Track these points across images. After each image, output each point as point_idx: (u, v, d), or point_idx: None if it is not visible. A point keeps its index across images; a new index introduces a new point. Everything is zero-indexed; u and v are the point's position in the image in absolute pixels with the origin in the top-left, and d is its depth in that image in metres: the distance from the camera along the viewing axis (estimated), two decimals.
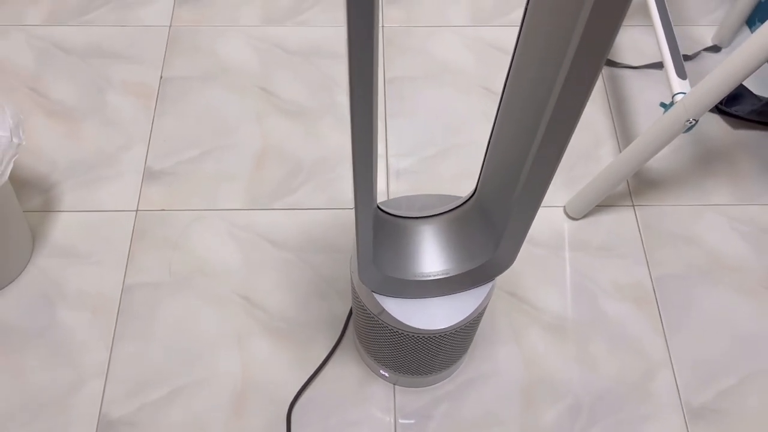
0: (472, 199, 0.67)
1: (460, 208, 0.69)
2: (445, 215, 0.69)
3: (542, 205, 1.09)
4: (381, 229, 0.67)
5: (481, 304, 0.71)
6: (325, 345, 0.96)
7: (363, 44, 0.40)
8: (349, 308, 0.99)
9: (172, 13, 1.31)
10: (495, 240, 0.64)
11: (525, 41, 0.47)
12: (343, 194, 1.10)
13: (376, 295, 0.71)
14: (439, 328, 0.70)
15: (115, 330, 0.97)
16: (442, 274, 0.67)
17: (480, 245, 0.66)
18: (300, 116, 1.18)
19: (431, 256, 0.68)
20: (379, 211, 0.67)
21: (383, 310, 0.71)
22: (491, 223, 0.64)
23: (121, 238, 1.05)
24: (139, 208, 1.07)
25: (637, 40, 1.31)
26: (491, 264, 0.67)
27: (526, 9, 0.44)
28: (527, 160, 0.52)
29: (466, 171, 1.13)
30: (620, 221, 1.08)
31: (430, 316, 0.71)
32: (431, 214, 0.70)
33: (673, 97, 0.89)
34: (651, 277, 1.03)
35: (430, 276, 0.67)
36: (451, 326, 0.71)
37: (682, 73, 0.91)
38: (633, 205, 1.10)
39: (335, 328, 0.98)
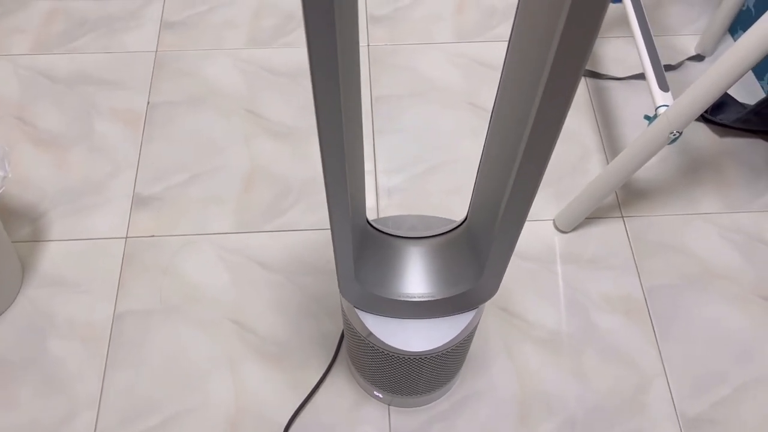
0: (463, 224, 0.68)
1: (450, 233, 0.69)
2: (435, 239, 0.69)
3: (532, 218, 1.10)
4: (369, 246, 0.67)
5: (466, 328, 0.71)
6: (318, 367, 0.96)
7: (323, 62, 0.41)
8: (341, 330, 0.98)
9: (158, 38, 1.32)
10: (480, 268, 0.64)
11: (509, 64, 0.47)
12: None
13: (362, 315, 0.71)
14: (422, 350, 0.70)
15: (106, 359, 0.96)
16: (426, 297, 0.67)
17: (466, 272, 0.66)
18: (288, 137, 1.19)
19: (416, 278, 0.68)
20: (369, 227, 0.67)
21: (371, 332, 0.71)
22: (479, 250, 0.64)
23: (110, 265, 1.04)
24: (128, 235, 1.07)
25: (621, 51, 1.32)
26: (474, 292, 0.67)
27: (512, 31, 0.45)
28: (508, 180, 0.52)
29: (455, 187, 1.13)
30: (610, 233, 1.08)
31: (416, 338, 0.70)
32: (421, 235, 0.70)
33: (656, 109, 0.90)
34: (642, 288, 1.03)
35: (413, 297, 0.67)
36: (435, 348, 0.70)
37: (664, 86, 0.92)
38: (622, 217, 1.10)
39: (328, 350, 0.97)
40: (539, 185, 0.51)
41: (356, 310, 0.71)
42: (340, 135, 0.46)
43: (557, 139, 0.47)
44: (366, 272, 0.67)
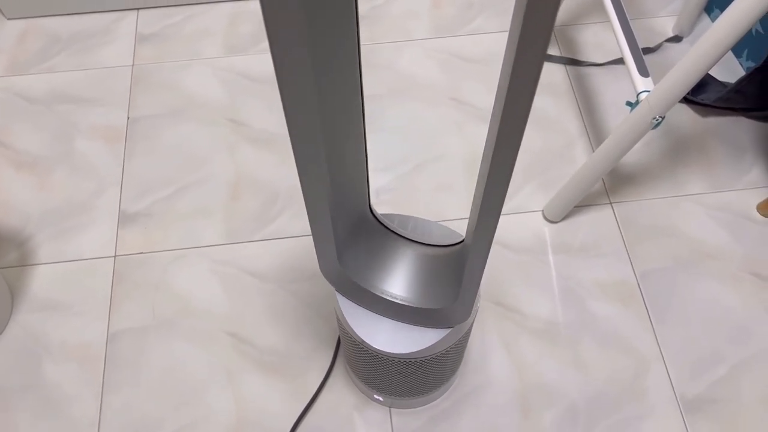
0: (461, 243, 0.67)
1: (447, 248, 0.69)
2: (431, 248, 0.69)
3: (521, 210, 1.10)
4: (364, 233, 0.67)
5: (442, 341, 0.71)
6: (317, 374, 0.96)
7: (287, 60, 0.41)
8: (338, 335, 0.98)
9: (134, 52, 1.30)
10: (458, 291, 0.64)
11: (501, 76, 0.47)
12: None
13: (341, 303, 0.71)
14: (391, 351, 0.70)
15: (103, 379, 0.95)
16: (403, 301, 0.67)
17: (446, 290, 0.66)
18: (271, 144, 1.18)
19: (399, 279, 0.68)
20: (371, 215, 0.68)
21: (346, 321, 0.71)
22: (463, 272, 0.64)
23: (101, 285, 1.03)
24: (117, 253, 1.06)
25: (599, 37, 1.32)
26: (446, 312, 0.67)
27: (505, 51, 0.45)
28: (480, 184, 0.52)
29: (443, 184, 1.13)
30: (599, 220, 1.09)
31: (390, 339, 0.70)
32: (418, 240, 0.69)
33: (637, 95, 0.90)
34: (635, 274, 1.03)
35: (389, 296, 0.67)
36: (408, 354, 0.70)
37: (644, 71, 0.92)
38: (610, 203, 1.10)
39: (326, 356, 0.97)
40: (502, 202, 0.51)
41: (338, 300, 0.72)
42: (306, 106, 0.45)
43: (516, 156, 0.46)
44: (352, 257, 0.67)
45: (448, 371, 0.84)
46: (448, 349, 0.73)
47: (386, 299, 0.67)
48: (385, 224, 0.69)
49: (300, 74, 0.42)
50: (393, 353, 0.70)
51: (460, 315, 0.67)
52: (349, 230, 0.65)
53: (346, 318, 0.72)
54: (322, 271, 0.69)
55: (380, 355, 0.72)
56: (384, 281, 0.68)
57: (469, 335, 0.77)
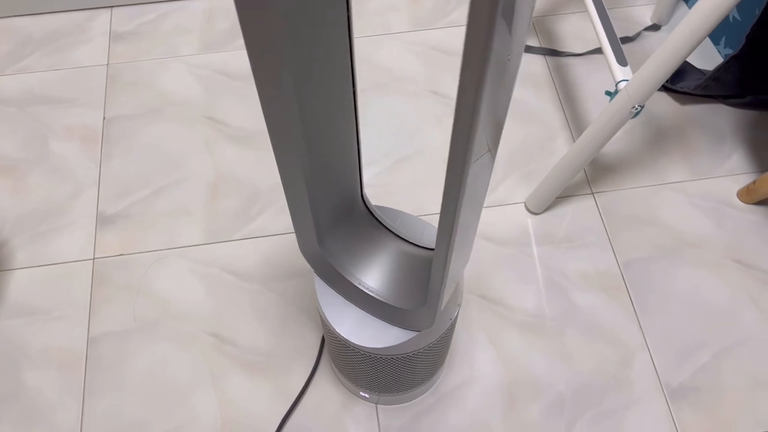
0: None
1: (427, 250, 0.68)
2: (413, 247, 0.69)
3: (503, 203, 1.10)
4: (353, 220, 0.67)
5: (411, 342, 0.70)
6: (302, 373, 0.95)
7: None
8: (323, 333, 0.97)
9: (109, 51, 1.28)
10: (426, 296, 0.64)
11: None
12: None
13: (322, 299, 0.71)
14: (361, 344, 0.70)
15: (84, 385, 0.94)
16: (373, 293, 0.66)
17: (415, 293, 0.66)
18: (251, 142, 1.17)
19: (375, 271, 0.67)
20: (362, 203, 0.67)
21: (322, 309, 0.71)
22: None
23: (80, 288, 1.02)
24: (95, 256, 1.05)
25: (578, 27, 1.32)
26: (411, 316, 0.66)
27: None
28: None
29: (425, 179, 1.12)
30: (581, 210, 1.09)
31: (362, 332, 0.70)
32: (404, 236, 0.69)
33: (616, 85, 0.89)
34: (618, 263, 1.04)
35: (363, 287, 0.67)
36: (379, 348, 0.70)
37: (622, 60, 0.92)
38: (592, 193, 1.10)
39: (310, 354, 0.96)
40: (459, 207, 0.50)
41: (315, 283, 0.72)
42: (278, 79, 0.44)
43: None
44: (334, 240, 0.66)
45: (431, 368, 0.84)
46: (423, 350, 0.73)
47: (359, 289, 0.67)
48: (375, 215, 0.68)
49: (269, 35, 0.40)
50: (357, 344, 0.70)
51: (424, 321, 0.66)
52: (335, 214, 0.65)
53: (319, 300, 0.71)
54: (300, 249, 0.68)
55: (351, 347, 0.72)
56: (360, 270, 0.68)
57: (451, 335, 0.77)
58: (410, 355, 0.72)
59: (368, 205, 0.68)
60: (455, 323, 0.77)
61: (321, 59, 0.45)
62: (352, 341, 0.69)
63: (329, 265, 0.67)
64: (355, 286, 0.67)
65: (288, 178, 0.54)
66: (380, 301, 0.66)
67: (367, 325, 0.70)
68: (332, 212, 0.64)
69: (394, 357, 0.72)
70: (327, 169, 0.56)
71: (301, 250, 0.69)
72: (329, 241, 0.66)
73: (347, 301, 0.71)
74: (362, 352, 0.72)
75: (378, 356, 0.72)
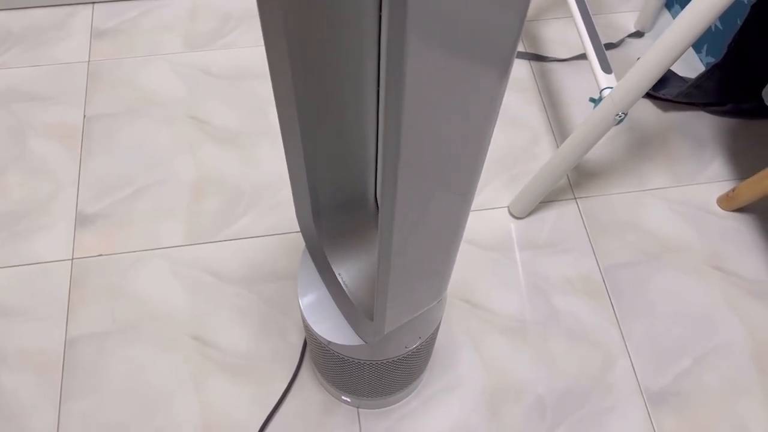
0: None
1: None
2: None
3: (486, 207, 1.10)
4: (357, 213, 0.67)
5: (373, 346, 0.70)
6: (284, 376, 0.94)
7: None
8: (305, 337, 0.97)
9: (90, 48, 1.26)
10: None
11: None
12: (288, 218, 1.08)
13: (306, 308, 0.70)
14: (334, 341, 0.70)
15: (61, 388, 0.92)
16: (345, 288, 0.67)
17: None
18: (234, 142, 1.16)
19: (356, 269, 0.67)
20: (374, 201, 0.67)
21: (316, 332, 0.70)
22: None
23: (58, 289, 1.00)
24: (74, 256, 1.03)
25: (562, 32, 1.32)
26: (363, 323, 0.66)
27: None
28: None
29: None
30: (564, 216, 1.09)
31: (336, 329, 0.70)
32: None
33: (600, 92, 0.90)
34: (600, 268, 1.04)
35: (340, 277, 0.67)
36: (349, 345, 0.70)
37: (607, 68, 0.92)
38: (575, 198, 1.11)
39: (292, 358, 0.95)
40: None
41: (300, 267, 0.72)
42: (286, 65, 0.44)
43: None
44: (331, 224, 0.66)
45: (411, 374, 0.83)
46: (401, 357, 0.72)
47: (336, 278, 0.67)
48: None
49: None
50: (334, 342, 0.70)
51: (369, 334, 0.66)
52: (340, 200, 0.65)
53: (298, 278, 0.72)
54: (297, 217, 0.68)
55: (329, 349, 0.72)
56: (345, 262, 0.68)
57: (435, 338, 0.77)
58: (375, 362, 0.72)
59: (379, 206, 0.68)
60: (433, 342, 0.77)
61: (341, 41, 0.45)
62: (316, 330, 0.70)
63: (318, 244, 0.67)
64: (334, 274, 0.67)
65: (288, 136, 0.54)
66: (347, 297, 0.66)
67: (336, 321, 0.70)
68: (336, 194, 0.64)
69: (360, 361, 0.72)
70: (334, 147, 0.56)
71: (296, 216, 0.69)
72: (327, 221, 0.66)
73: (326, 293, 0.71)
74: (331, 351, 0.72)
75: (344, 357, 0.72)
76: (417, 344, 0.72)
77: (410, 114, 0.36)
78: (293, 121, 0.51)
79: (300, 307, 0.72)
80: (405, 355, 0.72)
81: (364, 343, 0.69)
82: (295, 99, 0.48)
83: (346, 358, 0.72)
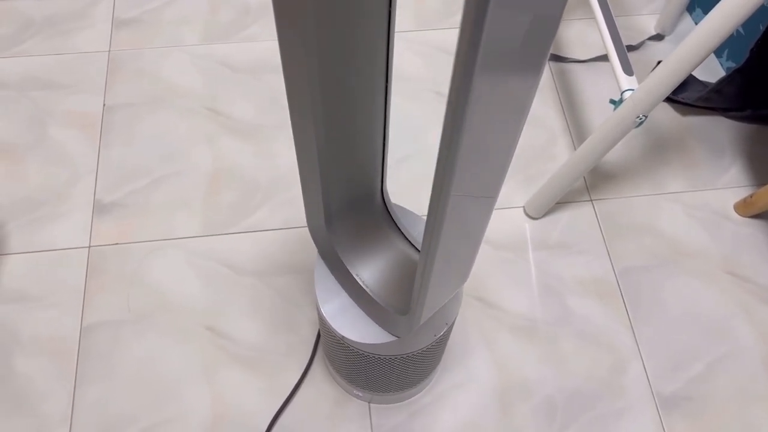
0: None
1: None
2: (416, 252, 0.69)
3: (502, 206, 1.10)
4: (368, 213, 0.67)
5: (398, 342, 0.70)
6: (297, 369, 0.95)
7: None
8: (318, 329, 0.97)
9: (111, 38, 1.27)
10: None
11: None
12: (303, 212, 1.08)
13: (326, 309, 0.71)
14: (351, 338, 0.70)
15: (76, 374, 0.93)
16: (366, 287, 0.67)
17: (402, 299, 0.66)
18: (252, 135, 1.16)
19: (375, 267, 0.67)
20: (381, 200, 0.68)
21: (343, 336, 0.70)
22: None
23: (74, 276, 1.01)
24: (91, 244, 1.04)
25: (582, 33, 1.32)
26: (394, 318, 0.66)
27: None
28: None
29: (425, 178, 1.12)
30: (580, 217, 1.09)
31: (354, 327, 0.70)
32: (413, 241, 0.69)
33: (621, 94, 0.90)
34: (614, 271, 1.04)
35: (358, 277, 0.67)
36: (371, 344, 0.70)
37: (628, 70, 0.92)
38: (591, 200, 1.11)
39: (305, 351, 0.96)
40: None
41: (316, 268, 0.72)
42: (303, 67, 0.45)
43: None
44: (343, 226, 0.66)
45: (424, 371, 0.84)
46: (416, 353, 0.73)
47: (354, 279, 0.67)
48: (391, 213, 0.68)
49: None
50: (349, 338, 0.70)
51: (402, 329, 0.66)
52: (349, 200, 0.65)
53: (316, 287, 0.71)
54: (308, 225, 0.69)
55: (345, 343, 0.72)
56: (361, 262, 0.68)
57: (446, 342, 0.77)
58: (403, 356, 0.72)
59: (387, 202, 0.68)
60: (447, 336, 0.77)
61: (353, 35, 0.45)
62: (342, 334, 0.69)
63: (332, 248, 0.67)
64: (352, 275, 0.67)
65: (301, 144, 0.54)
66: (371, 297, 0.67)
67: (361, 322, 0.70)
68: (345, 196, 0.64)
69: (386, 357, 0.72)
70: (344, 149, 0.57)
71: (308, 227, 0.69)
72: (338, 224, 0.66)
73: (345, 297, 0.71)
74: (355, 350, 0.72)
75: (370, 355, 0.72)
76: (444, 330, 0.72)
77: (469, 131, 0.38)
78: (307, 120, 0.51)
79: (322, 315, 0.72)
80: (432, 345, 0.72)
81: (394, 339, 0.69)
82: (310, 98, 0.48)
83: (373, 356, 0.73)
